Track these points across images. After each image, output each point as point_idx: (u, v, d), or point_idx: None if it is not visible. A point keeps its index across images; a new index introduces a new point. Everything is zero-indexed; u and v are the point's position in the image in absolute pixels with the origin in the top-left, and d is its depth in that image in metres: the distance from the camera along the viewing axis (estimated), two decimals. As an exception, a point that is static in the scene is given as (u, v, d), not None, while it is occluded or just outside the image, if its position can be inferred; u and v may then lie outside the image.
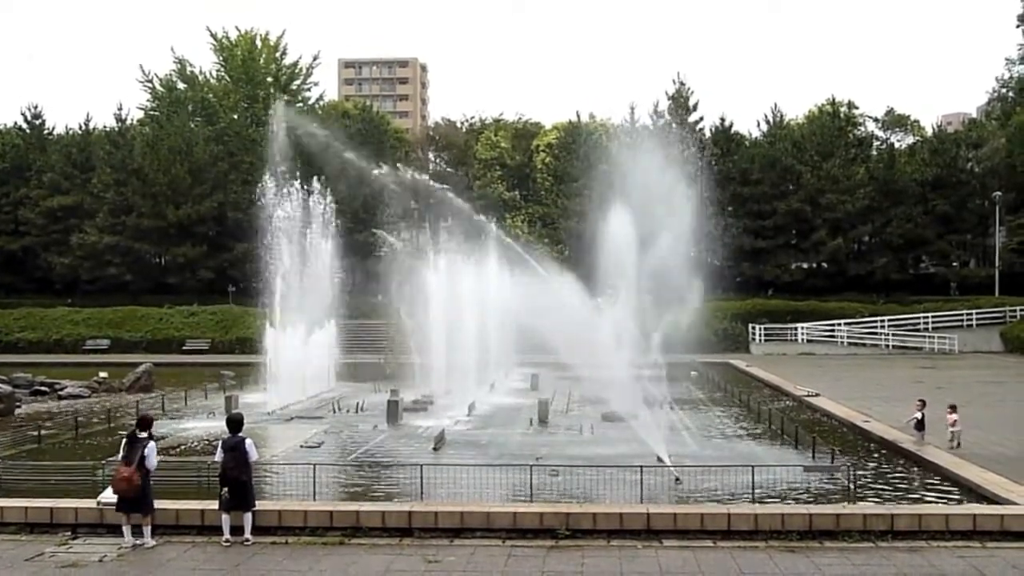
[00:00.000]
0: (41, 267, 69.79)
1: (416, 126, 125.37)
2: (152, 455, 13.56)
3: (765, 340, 55.65)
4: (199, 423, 26.57)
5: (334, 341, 35.60)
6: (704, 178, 61.95)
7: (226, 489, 13.53)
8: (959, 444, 20.16)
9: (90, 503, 14.49)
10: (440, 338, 33.82)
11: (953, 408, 20.73)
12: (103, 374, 36.94)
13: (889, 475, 19.02)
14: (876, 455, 21.33)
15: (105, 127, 75.13)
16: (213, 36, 77.08)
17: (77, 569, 12.40)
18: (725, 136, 70.58)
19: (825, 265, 68.13)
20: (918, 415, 21.21)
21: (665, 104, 70.96)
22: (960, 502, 16.06)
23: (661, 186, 27.66)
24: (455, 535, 13.80)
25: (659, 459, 19.02)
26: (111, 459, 17.13)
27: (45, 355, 53.87)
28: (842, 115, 73.70)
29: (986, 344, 54.20)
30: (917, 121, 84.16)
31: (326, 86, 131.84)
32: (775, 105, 74.97)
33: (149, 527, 13.55)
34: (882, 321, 56.36)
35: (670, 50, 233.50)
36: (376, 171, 52.69)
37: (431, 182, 65.90)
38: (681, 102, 70.54)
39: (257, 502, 14.08)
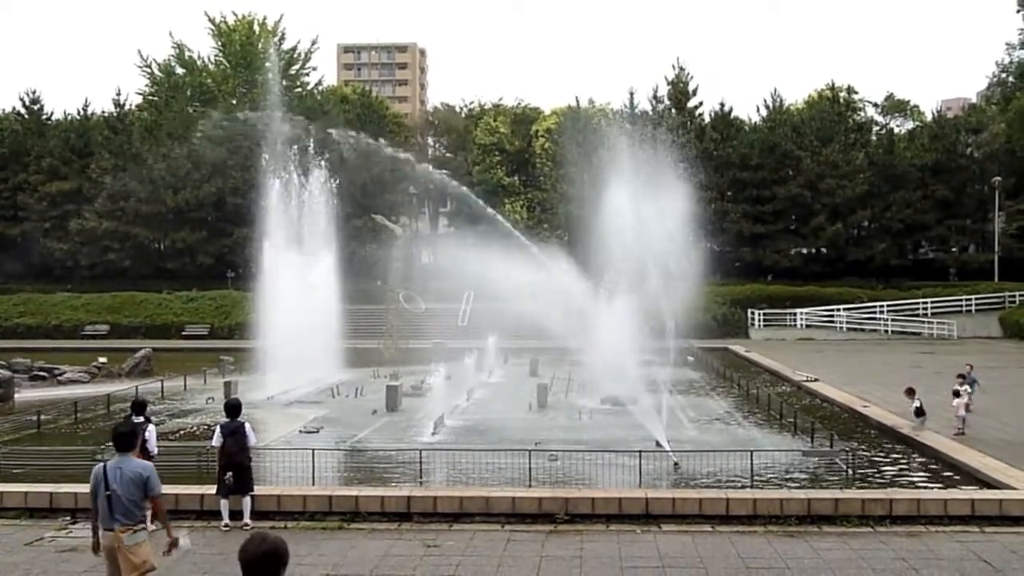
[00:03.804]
0: (40, 252, 69.67)
1: (415, 111, 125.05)
2: (152, 439, 13.58)
3: (764, 325, 55.65)
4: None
5: (333, 326, 35.54)
6: (703, 163, 61.85)
7: (230, 474, 13.56)
8: (962, 431, 20.07)
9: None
10: (438, 323, 33.79)
11: (957, 393, 20.67)
12: (102, 359, 36.91)
13: (888, 460, 19.05)
14: (875, 440, 21.37)
15: (104, 112, 74.99)
16: (211, 21, 76.76)
17: (76, 554, 12.40)
18: (724, 121, 70.46)
19: (824, 250, 68.15)
20: (917, 403, 21.24)
21: (664, 89, 70.88)
22: (959, 487, 16.09)
23: (660, 171, 27.66)
24: (454, 520, 13.81)
25: (658, 444, 19.05)
26: (110, 444, 17.14)
27: (44, 340, 53.83)
28: (842, 100, 73.62)
29: (985, 329, 54.24)
30: (917, 106, 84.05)
31: (325, 71, 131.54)
32: (775, 90, 75.22)
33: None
34: (881, 306, 56.36)
35: (669, 35, 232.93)
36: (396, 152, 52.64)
37: (430, 167, 65.88)
38: (680, 87, 70.39)
39: (256, 487, 14.10)
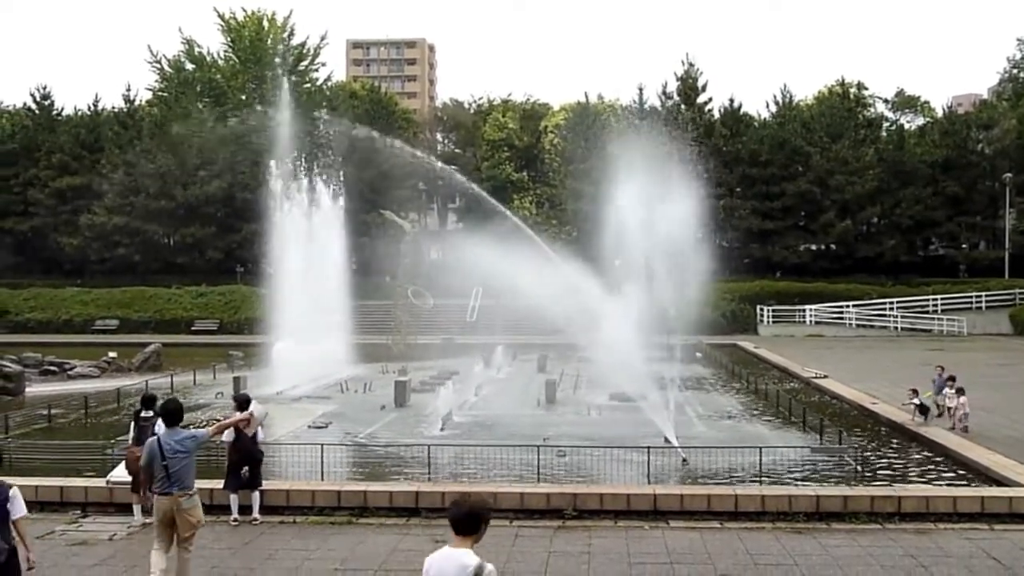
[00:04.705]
0: (50, 247, 69.95)
1: (424, 107, 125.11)
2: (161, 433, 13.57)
3: (773, 322, 55.58)
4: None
5: (342, 322, 35.62)
6: (712, 159, 61.73)
7: (247, 468, 13.68)
8: (966, 428, 20.08)
9: (100, 482, 14.57)
10: (446, 319, 33.78)
11: (961, 391, 20.68)
12: (112, 354, 37.06)
13: (897, 457, 19.02)
14: (884, 437, 21.33)
15: (114, 108, 75.23)
16: (220, 16, 76.81)
17: (87, 547, 12.47)
18: (734, 117, 70.23)
19: (834, 247, 67.90)
20: (916, 401, 21.27)
21: (674, 85, 70.68)
22: (968, 484, 16.07)
23: (669, 168, 27.57)
24: (462, 515, 13.80)
25: (666, 440, 19.05)
26: (120, 438, 17.22)
27: (54, 335, 54.08)
28: (852, 96, 73.26)
29: (995, 326, 54.05)
30: (927, 102, 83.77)
31: (334, 67, 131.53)
32: (784, 86, 75.04)
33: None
34: (891, 303, 56.20)
35: (679, 31, 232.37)
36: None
37: (440, 163, 65.87)
38: (690, 83, 70.15)
39: (265, 482, 14.17)
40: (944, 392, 21.46)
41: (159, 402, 14.44)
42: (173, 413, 10.67)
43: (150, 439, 10.65)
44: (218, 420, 20.62)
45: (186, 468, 10.27)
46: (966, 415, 20.33)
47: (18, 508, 8.54)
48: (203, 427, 19.43)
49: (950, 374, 22.17)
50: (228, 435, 13.83)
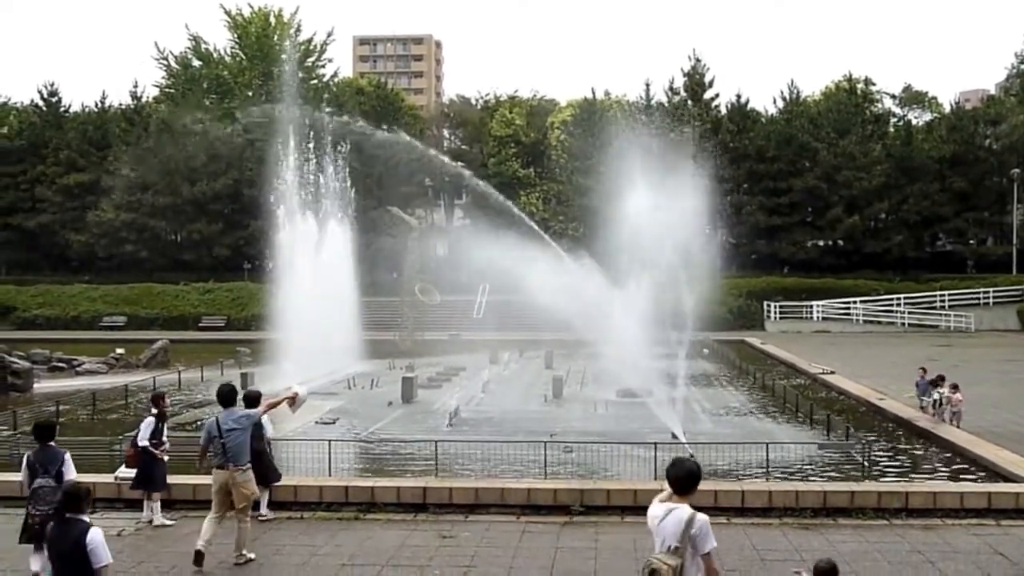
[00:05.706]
0: (58, 244, 70.19)
1: (431, 103, 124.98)
2: (143, 431, 13.51)
3: (780, 318, 55.50)
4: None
5: (349, 318, 35.64)
6: (719, 155, 61.62)
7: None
8: (959, 424, 20.05)
9: (108, 478, 14.61)
10: (453, 315, 33.76)
11: (955, 387, 20.65)
12: (120, 351, 37.13)
13: (904, 453, 19.00)
14: (891, 433, 21.30)
15: (121, 105, 75.44)
16: (227, 13, 76.92)
17: (95, 543, 12.48)
18: (741, 113, 70.12)
19: (841, 243, 67.79)
20: (935, 397, 21.23)
21: (680, 81, 70.57)
22: (975, 480, 16.05)
23: (676, 164, 27.56)
24: (469, 511, 13.85)
25: (673, 436, 19.04)
26: (128, 435, 17.25)
27: (62, 332, 54.17)
28: (859, 92, 73.05)
29: (1003, 322, 53.94)
30: (935, 98, 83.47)
31: (341, 63, 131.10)
32: (791, 82, 74.77)
33: (158, 503, 13.61)
34: (898, 299, 56.11)
35: (686, 27, 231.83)
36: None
37: (446, 159, 65.87)
38: (696, 79, 70.04)
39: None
40: (933, 392, 21.35)
41: (163, 402, 14.45)
42: (227, 396, 11.85)
43: (209, 419, 11.81)
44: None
45: (241, 445, 11.40)
46: (957, 412, 20.30)
47: (71, 471, 10.23)
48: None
49: (939, 373, 22.11)
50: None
